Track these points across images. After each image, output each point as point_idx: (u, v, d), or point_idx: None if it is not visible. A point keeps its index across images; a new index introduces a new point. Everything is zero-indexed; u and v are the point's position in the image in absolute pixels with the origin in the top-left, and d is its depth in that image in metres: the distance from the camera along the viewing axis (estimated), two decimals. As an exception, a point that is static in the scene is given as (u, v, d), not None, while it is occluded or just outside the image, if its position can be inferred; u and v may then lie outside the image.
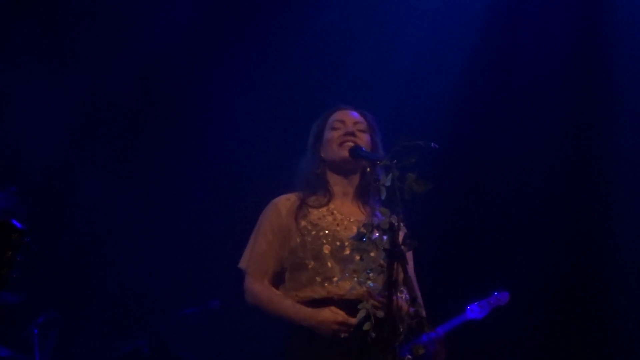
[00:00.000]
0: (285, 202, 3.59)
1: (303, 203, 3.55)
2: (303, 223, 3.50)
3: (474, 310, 5.14)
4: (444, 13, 6.28)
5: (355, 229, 3.31)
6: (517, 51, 6.27)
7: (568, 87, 6.21)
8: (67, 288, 5.89)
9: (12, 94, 5.82)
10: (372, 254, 3.05)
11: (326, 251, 3.44)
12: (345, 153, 3.53)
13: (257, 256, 3.54)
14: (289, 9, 6.25)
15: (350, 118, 3.67)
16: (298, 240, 3.48)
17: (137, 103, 6.17)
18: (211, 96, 6.26)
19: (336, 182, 3.61)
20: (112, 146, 6.19)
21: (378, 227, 3.03)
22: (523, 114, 6.21)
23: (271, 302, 3.46)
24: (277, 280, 3.53)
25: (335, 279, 3.39)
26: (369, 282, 3.09)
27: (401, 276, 2.95)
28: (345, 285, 3.33)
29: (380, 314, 2.98)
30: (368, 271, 3.07)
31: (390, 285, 2.94)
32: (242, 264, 3.59)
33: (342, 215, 3.53)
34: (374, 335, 3.00)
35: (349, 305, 3.27)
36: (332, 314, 3.29)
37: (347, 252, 3.40)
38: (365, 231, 3.06)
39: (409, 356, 3.06)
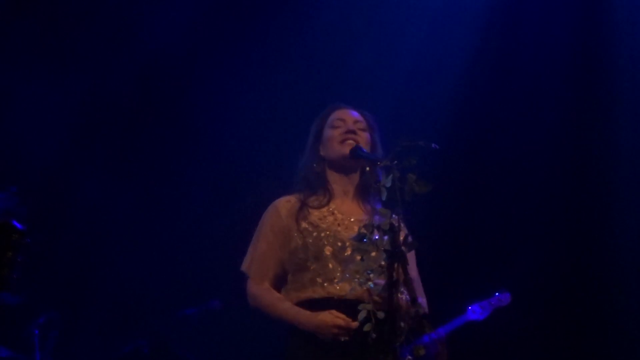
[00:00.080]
0: (285, 204, 3.58)
1: (303, 204, 3.55)
2: (304, 224, 3.50)
3: (476, 311, 5.13)
4: (444, 13, 6.28)
5: (356, 229, 3.31)
6: (517, 51, 6.27)
7: (568, 87, 6.21)
8: (67, 288, 5.89)
9: (12, 94, 5.82)
10: (373, 254, 3.04)
11: (327, 252, 3.44)
12: (346, 150, 3.53)
13: (258, 259, 3.54)
14: (289, 9, 6.25)
15: (350, 116, 3.68)
16: (299, 241, 3.47)
17: (137, 103, 6.17)
18: (211, 96, 6.26)
19: (336, 181, 3.61)
20: (112, 146, 6.19)
21: (379, 228, 3.03)
22: (523, 114, 6.21)
23: (271, 305, 3.46)
24: (280, 282, 3.53)
25: (335, 280, 3.39)
26: (369, 283, 3.09)
27: (402, 277, 2.95)
28: (345, 286, 3.33)
29: (381, 314, 2.98)
30: (369, 272, 3.07)
31: (391, 286, 2.94)
32: (244, 267, 3.58)
33: (342, 215, 3.53)
34: (374, 336, 3.00)
35: (348, 305, 3.26)
36: (331, 317, 3.29)
37: (349, 252, 3.40)
38: (366, 232, 3.06)
39: (410, 357, 3.06)
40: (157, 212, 6.08)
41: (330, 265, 3.42)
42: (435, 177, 3.07)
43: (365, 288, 3.16)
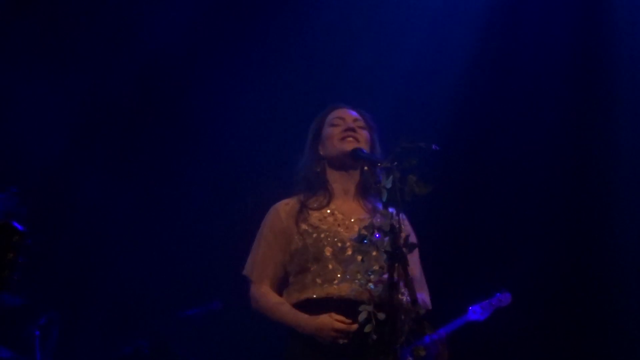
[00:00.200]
0: (284, 207, 3.59)
1: (303, 206, 3.55)
2: (304, 226, 3.50)
3: (476, 312, 5.13)
4: (444, 13, 6.28)
5: (356, 228, 3.32)
6: (517, 51, 6.26)
7: (568, 87, 6.20)
8: (67, 289, 5.89)
9: (12, 94, 5.82)
10: (373, 254, 3.05)
11: (328, 253, 3.44)
12: (346, 147, 3.54)
13: (259, 263, 3.55)
14: (289, 9, 6.25)
15: (349, 115, 3.69)
16: (299, 243, 3.48)
17: (137, 103, 6.17)
18: (211, 96, 6.25)
19: (336, 180, 3.61)
20: (112, 146, 6.19)
21: (379, 229, 3.03)
22: (523, 114, 6.21)
23: (271, 309, 3.47)
24: (282, 284, 3.54)
25: (335, 280, 3.39)
26: (370, 284, 3.09)
27: (402, 278, 2.95)
28: (345, 287, 3.33)
29: (382, 315, 2.98)
30: (369, 273, 3.07)
31: (392, 287, 2.94)
32: (246, 271, 3.60)
33: (343, 215, 3.53)
34: (375, 337, 3.00)
35: (348, 306, 3.27)
36: (330, 320, 3.29)
37: (349, 252, 3.40)
38: (366, 233, 3.06)
39: (410, 358, 3.06)
40: (157, 212, 6.08)
41: (330, 266, 3.42)
42: (435, 178, 3.07)
43: (365, 289, 3.16)
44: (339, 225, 3.50)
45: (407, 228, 3.45)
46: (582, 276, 6.07)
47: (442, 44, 6.26)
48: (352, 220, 3.51)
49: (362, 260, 3.09)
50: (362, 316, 3.03)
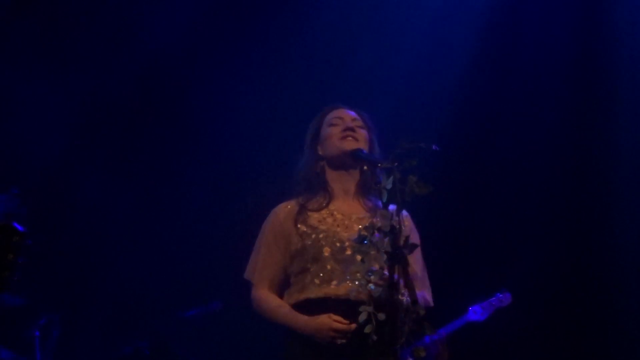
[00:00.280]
0: (284, 209, 3.60)
1: (302, 208, 3.56)
2: (303, 228, 3.51)
3: (477, 312, 5.13)
4: (444, 13, 6.28)
5: (356, 228, 3.33)
6: (517, 51, 6.26)
7: (568, 87, 6.20)
8: (67, 289, 5.89)
9: (12, 94, 5.82)
10: (373, 254, 3.05)
11: (326, 253, 3.44)
12: (345, 146, 3.53)
13: (260, 266, 3.57)
14: (289, 9, 6.24)
15: (347, 115, 3.69)
16: (299, 245, 3.49)
17: (137, 103, 6.17)
18: (211, 96, 6.25)
19: (336, 180, 3.61)
20: (112, 146, 6.19)
21: (379, 230, 3.02)
22: (523, 114, 6.21)
23: (271, 311, 3.50)
24: (284, 285, 3.56)
25: (334, 281, 3.39)
26: (370, 284, 3.09)
27: (402, 278, 2.94)
28: (344, 287, 3.34)
29: (382, 316, 2.98)
30: (369, 273, 3.07)
31: (392, 287, 2.94)
32: (247, 275, 3.61)
33: (342, 215, 3.53)
34: (375, 338, 3.00)
35: (348, 306, 3.27)
36: (329, 321, 3.30)
37: (348, 252, 3.41)
38: (366, 234, 3.06)
39: (410, 359, 3.06)
40: (157, 213, 6.07)
41: (329, 266, 3.43)
42: (435, 178, 3.07)
43: (365, 289, 3.16)
44: (338, 225, 3.50)
45: (408, 226, 3.45)
46: (582, 276, 6.07)
47: (442, 44, 6.26)
48: (352, 219, 3.51)
49: (362, 260, 3.09)
50: (362, 317, 3.03)
